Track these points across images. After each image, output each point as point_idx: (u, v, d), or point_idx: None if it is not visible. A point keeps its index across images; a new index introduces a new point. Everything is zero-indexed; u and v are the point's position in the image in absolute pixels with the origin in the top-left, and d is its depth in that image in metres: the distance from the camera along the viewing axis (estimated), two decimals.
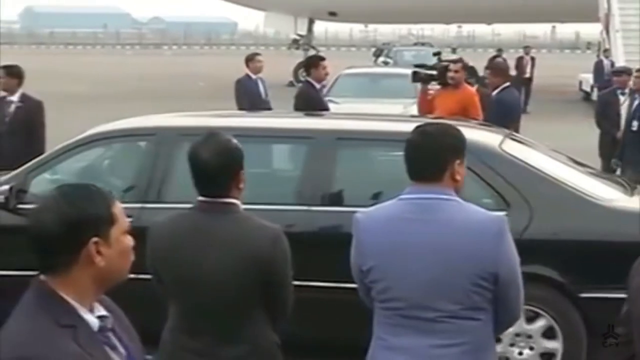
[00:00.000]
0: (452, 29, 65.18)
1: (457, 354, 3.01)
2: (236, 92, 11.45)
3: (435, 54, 22.05)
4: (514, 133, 7.00)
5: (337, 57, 33.01)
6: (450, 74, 9.38)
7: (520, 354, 5.54)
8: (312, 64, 9.82)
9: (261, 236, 3.29)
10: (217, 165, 3.26)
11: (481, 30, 68.49)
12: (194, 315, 3.32)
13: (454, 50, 37.13)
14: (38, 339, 2.08)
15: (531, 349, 5.53)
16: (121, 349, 2.27)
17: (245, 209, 3.38)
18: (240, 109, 10.88)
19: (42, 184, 6.34)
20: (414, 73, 10.13)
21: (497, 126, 7.25)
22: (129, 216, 6.68)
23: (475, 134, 6.25)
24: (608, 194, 5.93)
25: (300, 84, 12.17)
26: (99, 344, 2.19)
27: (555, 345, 5.47)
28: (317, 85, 9.59)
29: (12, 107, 8.77)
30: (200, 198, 3.33)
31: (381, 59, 34.47)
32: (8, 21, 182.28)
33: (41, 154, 7.40)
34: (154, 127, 6.57)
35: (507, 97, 9.38)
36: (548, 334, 5.49)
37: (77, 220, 2.15)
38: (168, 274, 3.38)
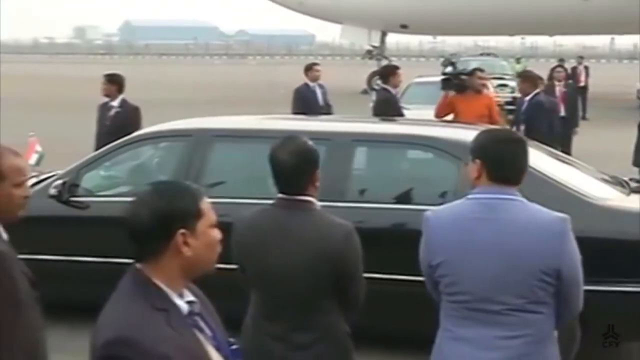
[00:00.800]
0: (515, 40, 64.27)
1: (520, 345, 2.97)
2: (293, 99, 11.52)
3: (451, 63, 21.68)
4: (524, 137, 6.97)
5: (407, 66, 32.73)
6: (481, 81, 9.70)
7: None
8: (390, 72, 9.89)
9: (335, 232, 3.30)
10: (295, 165, 3.29)
11: (544, 41, 67.43)
12: (272, 303, 3.35)
13: (518, 60, 36.59)
14: (136, 321, 2.13)
15: None
16: (208, 332, 2.31)
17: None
18: (294, 114, 10.90)
19: (93, 179, 6.57)
20: (446, 80, 9.92)
21: (533, 129, 7.21)
22: None
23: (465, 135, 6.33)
24: (604, 193, 5.80)
25: (374, 91, 12.17)
26: (188, 326, 2.23)
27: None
28: (393, 91, 9.63)
29: (113, 112, 8.96)
30: (280, 195, 3.36)
31: (449, 68, 34.16)
32: (108, 34, 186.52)
33: None
34: (191, 129, 6.73)
35: (539, 102, 9.55)
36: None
37: (166, 213, 2.21)
38: (250, 265, 3.41)
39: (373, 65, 32.74)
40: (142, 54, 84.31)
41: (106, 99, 9.17)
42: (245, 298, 3.52)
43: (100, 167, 6.66)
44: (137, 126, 8.97)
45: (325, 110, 11.39)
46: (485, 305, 2.99)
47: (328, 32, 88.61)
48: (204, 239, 2.27)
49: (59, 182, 6.38)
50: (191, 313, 2.26)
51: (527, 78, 10.17)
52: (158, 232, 2.20)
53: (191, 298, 2.29)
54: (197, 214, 2.26)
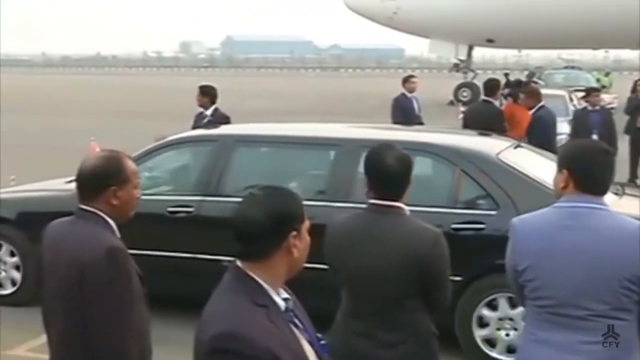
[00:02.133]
0: (599, 54, 62.64)
1: (603, 350, 2.88)
2: (392, 108, 11.66)
3: (505, 75, 21.21)
4: (523, 144, 6.85)
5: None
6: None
7: (507, 335, 5.60)
8: (496, 86, 9.85)
9: (423, 237, 3.28)
10: (401, 171, 3.31)
11: (627, 54, 65.44)
12: (361, 303, 3.34)
13: (607, 74, 35.70)
14: (242, 316, 2.16)
15: (515, 329, 5.52)
16: (301, 327, 2.33)
17: None
18: (395, 122, 11.04)
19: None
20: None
21: (538, 141, 7.35)
22: (189, 206, 6.35)
23: (476, 144, 6.49)
24: None
25: (460, 103, 12.11)
26: (286, 322, 2.26)
27: None
28: (496, 104, 9.61)
29: (206, 120, 9.13)
30: (372, 201, 3.36)
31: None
32: (211, 48, 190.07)
33: None
34: (216, 134, 7.04)
35: (543, 115, 9.52)
36: None
37: (282, 215, 2.24)
38: (342, 265, 3.41)
39: (460, 78, 32.44)
40: (242, 67, 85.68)
41: (200, 109, 9.39)
42: (335, 297, 3.53)
43: (142, 168, 6.66)
44: None
45: (419, 120, 11.51)
46: (568, 311, 2.92)
47: (417, 46, 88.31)
48: (305, 241, 2.32)
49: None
50: (287, 309, 2.29)
51: (530, 93, 10.04)
52: (273, 233, 2.23)
53: (286, 295, 2.31)
54: (302, 218, 2.31)
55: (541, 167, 6.07)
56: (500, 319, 5.59)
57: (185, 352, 2.73)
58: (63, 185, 7.14)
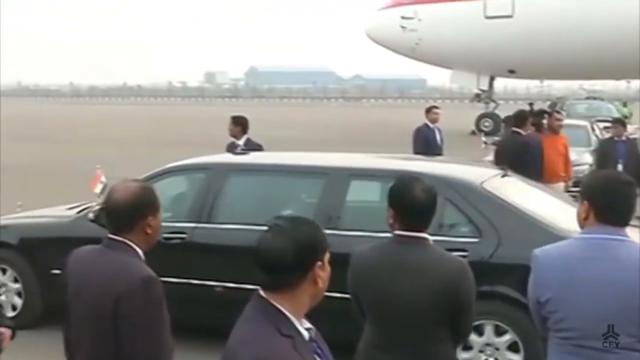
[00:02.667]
0: (621, 84, 62.31)
1: None
2: (414, 138, 11.58)
3: (529, 104, 21.21)
4: (510, 173, 6.83)
5: (514, 109, 32.30)
6: (558, 123, 9.94)
7: None
8: (525, 117, 9.79)
9: (450, 267, 3.28)
10: (426, 203, 3.31)
11: None
12: (386, 333, 3.32)
13: (624, 104, 35.46)
14: (269, 346, 2.16)
15: (497, 359, 5.51)
16: (324, 357, 2.32)
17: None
18: (416, 153, 10.99)
19: None
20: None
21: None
22: (183, 233, 6.44)
23: (461, 172, 6.53)
24: (572, 224, 5.64)
25: (482, 132, 12.05)
26: (310, 352, 2.26)
27: (518, 358, 5.45)
28: (524, 133, 9.49)
29: (239, 150, 9.17)
30: (398, 232, 3.34)
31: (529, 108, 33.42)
32: (235, 79, 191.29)
33: None
34: (210, 163, 7.11)
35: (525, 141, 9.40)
36: (513, 347, 5.47)
37: (309, 246, 2.24)
38: (366, 295, 3.40)
39: (481, 108, 32.39)
40: (265, 97, 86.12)
41: (232, 139, 9.41)
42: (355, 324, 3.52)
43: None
44: None
45: (441, 150, 11.49)
46: (592, 343, 2.89)
47: (439, 77, 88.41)
48: (327, 271, 2.31)
49: (98, 207, 6.71)
50: (311, 339, 2.28)
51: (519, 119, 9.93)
52: (300, 264, 2.23)
53: (308, 325, 2.31)
54: (325, 248, 2.31)
55: (527, 197, 6.18)
56: (488, 344, 5.55)
57: None
58: (64, 211, 7.35)
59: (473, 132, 27.90)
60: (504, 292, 5.42)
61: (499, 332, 5.48)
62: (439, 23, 30.25)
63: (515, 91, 76.28)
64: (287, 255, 2.22)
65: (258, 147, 9.21)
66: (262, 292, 2.28)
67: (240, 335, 2.24)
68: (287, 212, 6.31)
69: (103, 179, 8.37)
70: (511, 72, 31.67)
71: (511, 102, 55.35)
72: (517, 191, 6.25)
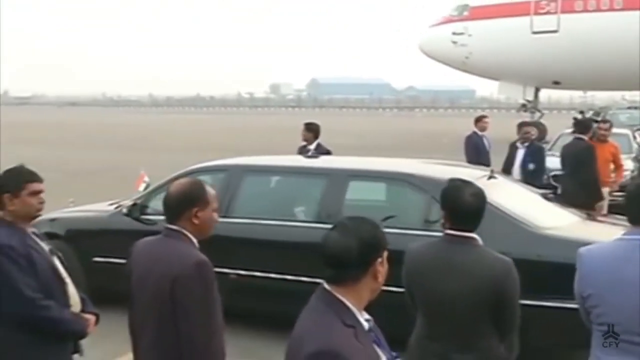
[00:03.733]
0: None
1: None
2: (465, 146, 11.54)
3: (580, 112, 20.69)
4: (496, 174, 6.78)
5: (558, 118, 31.79)
6: (601, 132, 9.86)
7: None
8: (589, 125, 9.69)
9: (497, 266, 3.26)
10: (476, 206, 3.32)
11: None
12: (435, 325, 3.33)
13: None
14: (334, 335, 2.18)
15: None
16: (382, 346, 2.34)
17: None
18: (468, 159, 11.02)
19: (159, 201, 6.97)
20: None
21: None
22: None
23: (448, 173, 6.32)
24: (549, 223, 5.85)
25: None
26: (370, 341, 2.28)
27: None
28: (586, 139, 9.41)
29: (309, 154, 9.34)
30: (449, 231, 3.35)
31: (579, 116, 32.66)
32: (298, 90, 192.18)
33: None
34: (228, 164, 7.36)
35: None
36: None
37: (371, 244, 2.28)
38: (418, 291, 3.41)
39: (527, 117, 31.90)
40: (325, 107, 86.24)
41: (304, 143, 9.60)
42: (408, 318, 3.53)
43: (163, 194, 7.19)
44: None
45: (489, 157, 11.39)
46: (629, 337, 2.87)
47: (487, 88, 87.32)
48: (386, 267, 2.34)
49: (129, 202, 7.15)
50: (370, 329, 2.30)
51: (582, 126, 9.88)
52: (363, 260, 2.26)
53: (367, 316, 2.32)
54: (385, 246, 2.33)
55: (510, 197, 6.22)
56: None
57: None
58: (106, 207, 7.72)
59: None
60: None
61: None
62: (488, 38, 29.97)
63: (560, 101, 74.87)
64: (350, 252, 2.25)
65: (327, 152, 9.38)
66: (326, 285, 2.30)
67: (306, 325, 2.26)
68: (296, 208, 6.66)
69: (146, 178, 8.65)
70: (556, 84, 31.14)
71: (555, 111, 54.43)
72: (502, 192, 6.25)
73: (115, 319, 5.06)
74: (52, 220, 7.45)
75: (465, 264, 3.25)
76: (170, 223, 3.18)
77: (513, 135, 11.00)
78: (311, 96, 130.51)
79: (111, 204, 7.77)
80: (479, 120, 11.83)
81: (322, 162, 7.65)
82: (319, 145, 9.51)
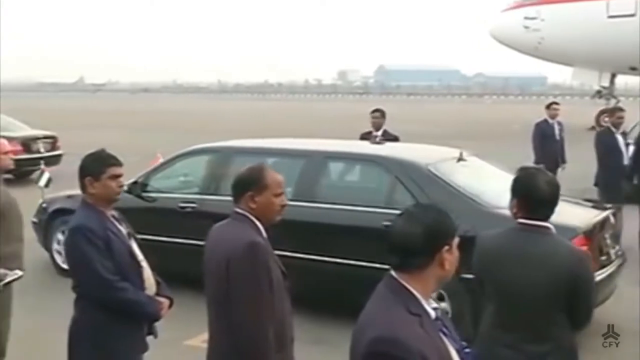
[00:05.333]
0: None
1: None
2: (533, 133, 11.52)
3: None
4: (465, 157, 7.09)
5: (634, 106, 30.81)
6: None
7: None
8: None
9: (571, 256, 3.20)
10: (549, 194, 3.26)
11: None
12: (508, 315, 3.28)
13: None
14: (398, 323, 2.18)
15: None
16: (449, 335, 2.31)
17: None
18: (534, 146, 11.26)
19: (158, 180, 7.80)
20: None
21: None
22: (193, 203, 7.52)
23: (413, 156, 7.03)
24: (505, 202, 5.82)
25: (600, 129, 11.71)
26: (436, 330, 2.26)
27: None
28: None
29: (377, 140, 9.39)
30: (522, 220, 3.29)
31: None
32: (366, 76, 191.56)
33: None
34: (219, 146, 7.91)
35: None
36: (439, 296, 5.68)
37: (437, 231, 2.26)
38: (489, 279, 3.37)
39: (601, 105, 31.03)
40: (392, 94, 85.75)
41: (369, 130, 9.65)
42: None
43: (162, 172, 7.91)
44: None
45: (560, 144, 11.38)
46: None
47: (559, 74, 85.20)
48: (455, 255, 2.31)
49: (131, 181, 7.46)
50: (437, 318, 2.28)
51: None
52: (428, 247, 2.25)
53: (435, 305, 2.31)
54: (453, 234, 2.31)
55: (473, 178, 6.66)
56: None
57: (339, 352, 2.79)
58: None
59: (593, 128, 26.84)
60: None
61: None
62: (562, 22, 29.23)
63: (637, 87, 72.52)
64: (415, 239, 2.23)
65: (395, 138, 9.42)
66: (393, 273, 2.30)
67: (370, 312, 2.27)
68: None
69: (162, 159, 8.86)
70: (633, 70, 30.17)
71: (630, 98, 52.76)
72: (464, 172, 6.67)
73: (186, 302, 5.21)
74: (69, 196, 7.85)
75: (540, 254, 3.19)
76: (236, 206, 3.25)
77: (588, 122, 10.79)
78: (378, 83, 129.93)
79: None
80: (549, 107, 11.77)
81: (301, 144, 8.21)
82: (385, 131, 9.54)
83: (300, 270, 5.42)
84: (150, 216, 7.50)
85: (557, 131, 11.43)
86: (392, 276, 2.29)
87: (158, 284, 3.89)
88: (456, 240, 2.31)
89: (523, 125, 11.65)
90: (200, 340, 5.72)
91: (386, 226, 6.10)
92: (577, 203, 6.97)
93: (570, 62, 31.50)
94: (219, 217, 3.43)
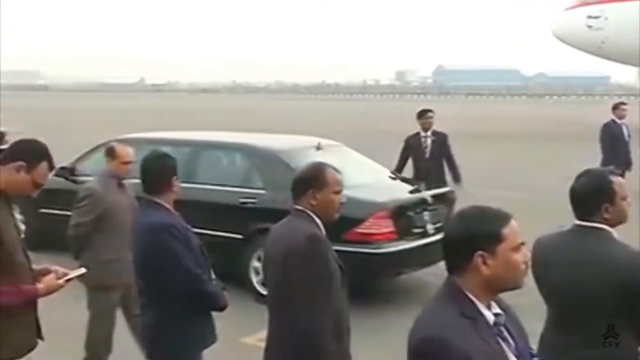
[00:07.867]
0: None
1: None
2: (601, 133, 11.31)
3: None
4: (322, 146, 8.24)
5: None
6: None
7: None
8: None
9: (630, 260, 3.08)
10: (587, 193, 3.15)
11: None
12: (567, 318, 3.21)
13: None
14: (445, 324, 2.15)
15: None
16: (511, 342, 2.25)
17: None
18: (603, 147, 10.99)
19: (88, 165, 8.83)
20: None
21: None
22: None
23: (270, 144, 8.45)
24: (365, 193, 7.25)
25: None
26: (493, 335, 2.21)
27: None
28: None
29: (428, 141, 9.46)
30: (577, 222, 3.21)
31: None
32: (424, 77, 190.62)
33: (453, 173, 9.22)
34: (131, 138, 8.40)
35: None
36: None
37: (465, 236, 2.20)
38: (545, 282, 3.30)
39: None
40: (450, 94, 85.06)
41: (418, 130, 9.57)
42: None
43: (90, 159, 8.94)
44: (446, 149, 9.38)
45: (626, 145, 11.19)
46: None
47: (624, 74, 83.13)
48: (504, 260, 2.20)
49: (60, 166, 8.07)
50: (497, 323, 2.23)
51: None
52: (460, 250, 2.21)
53: (498, 310, 2.26)
54: (498, 238, 2.20)
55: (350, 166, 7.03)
56: None
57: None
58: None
59: None
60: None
61: None
62: (626, 21, 28.50)
63: None
64: (452, 240, 2.23)
65: (444, 136, 9.37)
66: (452, 275, 2.27)
67: (425, 312, 2.26)
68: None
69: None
70: None
71: None
72: (323, 160, 7.05)
73: (244, 301, 5.24)
74: None
75: (597, 256, 3.11)
76: (296, 203, 3.28)
77: None
78: (437, 83, 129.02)
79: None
80: (616, 107, 11.45)
81: (187, 135, 9.70)
82: (434, 131, 9.54)
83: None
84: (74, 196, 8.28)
85: (625, 132, 11.18)
86: (450, 278, 2.28)
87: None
88: (510, 244, 2.21)
89: (583, 125, 11.42)
90: (257, 338, 5.77)
91: (242, 202, 7.74)
92: (405, 181, 8.48)
93: (634, 62, 30.74)
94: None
